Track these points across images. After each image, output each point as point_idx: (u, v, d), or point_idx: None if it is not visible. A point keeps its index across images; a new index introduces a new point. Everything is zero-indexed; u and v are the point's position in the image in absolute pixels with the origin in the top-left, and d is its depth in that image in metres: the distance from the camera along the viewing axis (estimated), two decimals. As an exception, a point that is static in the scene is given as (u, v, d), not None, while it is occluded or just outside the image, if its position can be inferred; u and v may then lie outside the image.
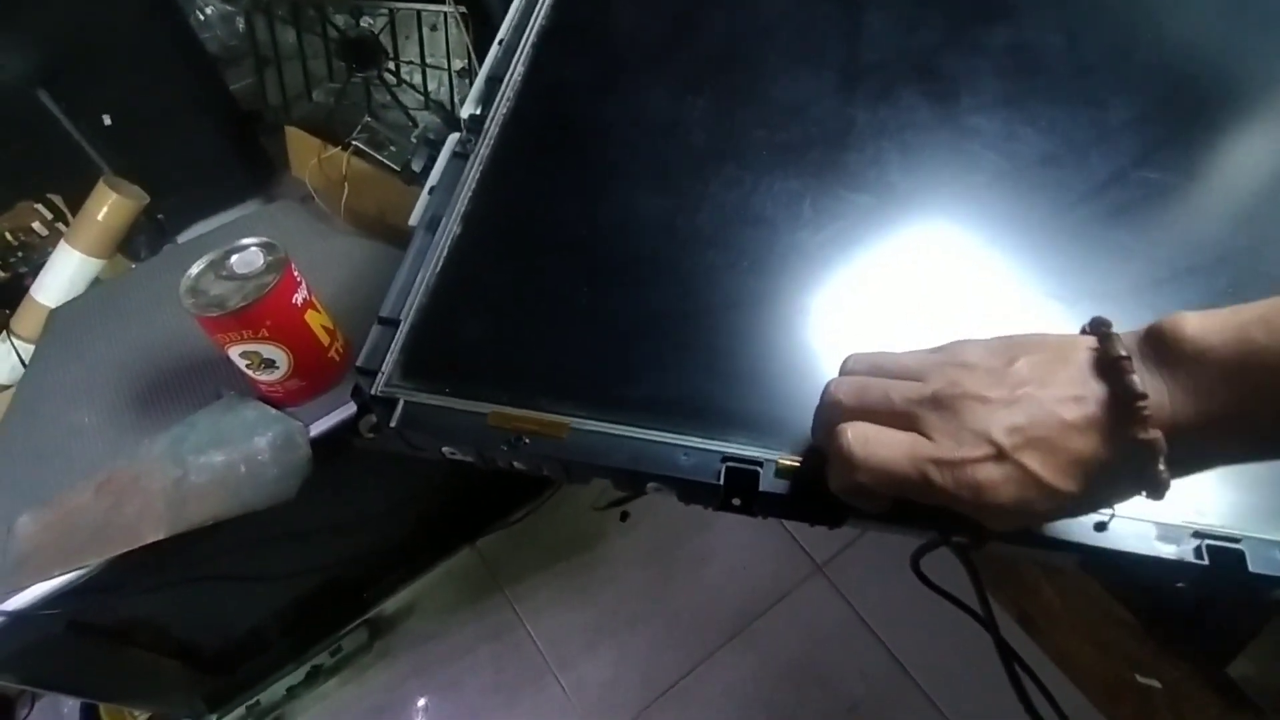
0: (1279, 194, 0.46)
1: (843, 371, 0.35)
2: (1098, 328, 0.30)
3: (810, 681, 1.01)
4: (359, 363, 0.40)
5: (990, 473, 0.29)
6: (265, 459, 0.72)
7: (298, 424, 0.73)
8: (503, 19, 0.56)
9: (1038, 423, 0.29)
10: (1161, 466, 0.28)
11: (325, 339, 0.74)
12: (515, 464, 0.37)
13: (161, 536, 0.67)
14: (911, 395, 0.32)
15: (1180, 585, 0.34)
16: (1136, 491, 0.29)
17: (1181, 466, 0.28)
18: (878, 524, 0.36)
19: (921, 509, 0.34)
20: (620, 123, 0.50)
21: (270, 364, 0.71)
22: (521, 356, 0.40)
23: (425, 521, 1.05)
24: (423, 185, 1.11)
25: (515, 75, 0.51)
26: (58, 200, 1.20)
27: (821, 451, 0.34)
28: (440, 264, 0.43)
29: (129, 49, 1.26)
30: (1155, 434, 0.28)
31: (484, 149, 0.48)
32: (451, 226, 0.44)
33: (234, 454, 0.71)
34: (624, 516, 1.14)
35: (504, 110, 0.50)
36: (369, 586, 1.07)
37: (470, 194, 0.46)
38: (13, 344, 1.08)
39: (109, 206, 1.09)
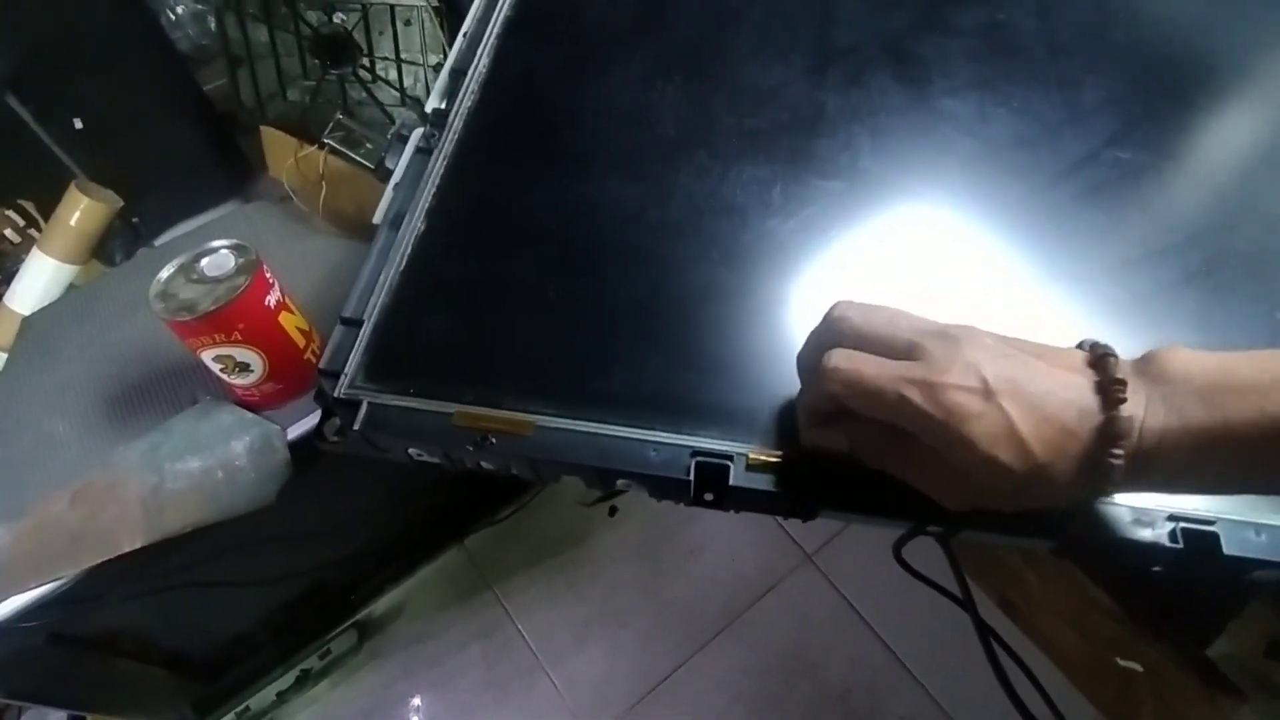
0: (1252, 172, 0.45)
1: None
2: (1092, 343, 0.32)
3: (802, 670, 1.01)
4: (321, 365, 0.39)
5: (970, 403, 0.29)
6: (243, 464, 0.71)
7: (275, 427, 0.72)
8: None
9: (1030, 381, 0.30)
10: (1119, 452, 0.28)
11: (301, 341, 0.73)
12: (482, 464, 0.37)
13: (139, 545, 0.66)
14: (921, 327, 0.32)
15: (1157, 569, 0.34)
16: (1093, 482, 0.29)
17: (1142, 470, 0.29)
18: (853, 515, 0.35)
19: (896, 494, 0.34)
20: (588, 112, 0.49)
21: (245, 367, 0.70)
22: (487, 354, 0.39)
23: (412, 521, 1.05)
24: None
25: (480, 67, 0.51)
26: (29, 206, 1.18)
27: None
28: (404, 262, 0.42)
29: (99, 50, 1.24)
30: (1126, 415, 0.28)
31: (448, 143, 0.47)
32: (416, 223, 0.43)
33: (211, 460, 0.71)
34: (612, 511, 1.14)
35: (469, 103, 0.49)
36: (356, 588, 1.06)
37: (435, 189, 0.45)
38: (-13, 353, 1.07)
39: (81, 211, 1.07)
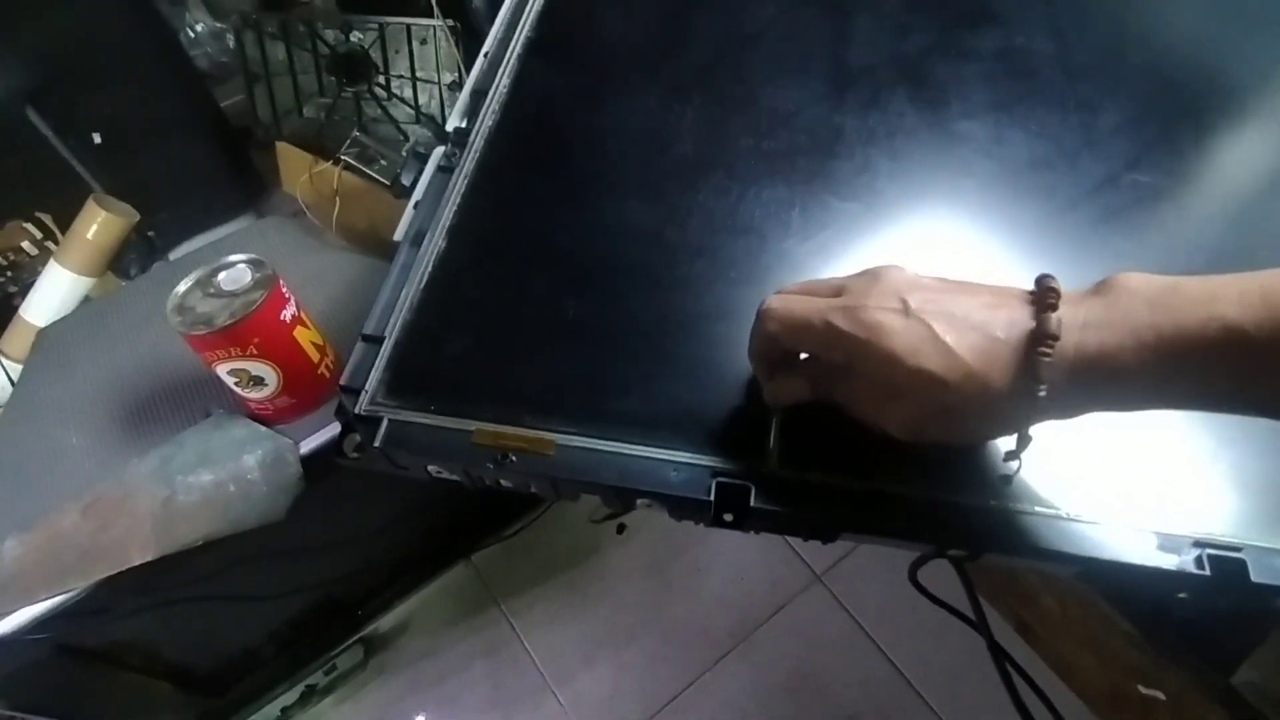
0: (1270, 195, 0.45)
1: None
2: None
3: (810, 692, 1.00)
4: (342, 381, 0.39)
5: (891, 319, 0.30)
6: (255, 478, 0.71)
7: (288, 442, 0.72)
8: (485, 29, 0.56)
9: (953, 301, 0.31)
10: (1048, 350, 0.28)
11: (315, 355, 0.73)
12: (502, 482, 0.37)
13: (149, 558, 0.66)
14: (844, 276, 0.34)
15: (1182, 595, 0.33)
16: (1026, 389, 0.29)
17: (1076, 386, 0.28)
18: (873, 538, 0.35)
19: (916, 517, 0.34)
20: (607, 133, 0.49)
21: (259, 381, 0.70)
22: (508, 372, 0.39)
23: (419, 537, 1.04)
24: (402, 195, 1.11)
25: (501, 88, 0.51)
26: (47, 219, 1.19)
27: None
28: (425, 279, 0.42)
29: (118, 66, 1.25)
30: (1053, 319, 0.28)
31: (469, 162, 0.47)
32: (437, 241, 0.44)
33: (223, 473, 0.71)
34: (620, 529, 1.13)
35: (489, 123, 0.49)
36: (363, 603, 1.05)
37: (455, 208, 0.45)
38: (1, 364, 1.07)
39: (98, 224, 1.08)
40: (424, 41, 1.26)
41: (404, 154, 1.17)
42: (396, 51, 1.28)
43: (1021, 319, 0.29)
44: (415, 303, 0.41)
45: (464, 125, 0.50)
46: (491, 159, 0.48)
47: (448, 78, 1.27)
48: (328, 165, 1.27)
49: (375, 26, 1.27)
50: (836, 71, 0.52)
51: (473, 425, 0.37)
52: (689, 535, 1.12)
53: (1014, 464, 0.34)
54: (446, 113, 1.31)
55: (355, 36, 1.29)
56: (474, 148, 0.48)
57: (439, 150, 0.49)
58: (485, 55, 0.54)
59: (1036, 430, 0.31)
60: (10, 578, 0.67)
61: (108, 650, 0.79)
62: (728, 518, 0.36)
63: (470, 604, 1.08)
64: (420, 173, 1.07)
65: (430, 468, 0.37)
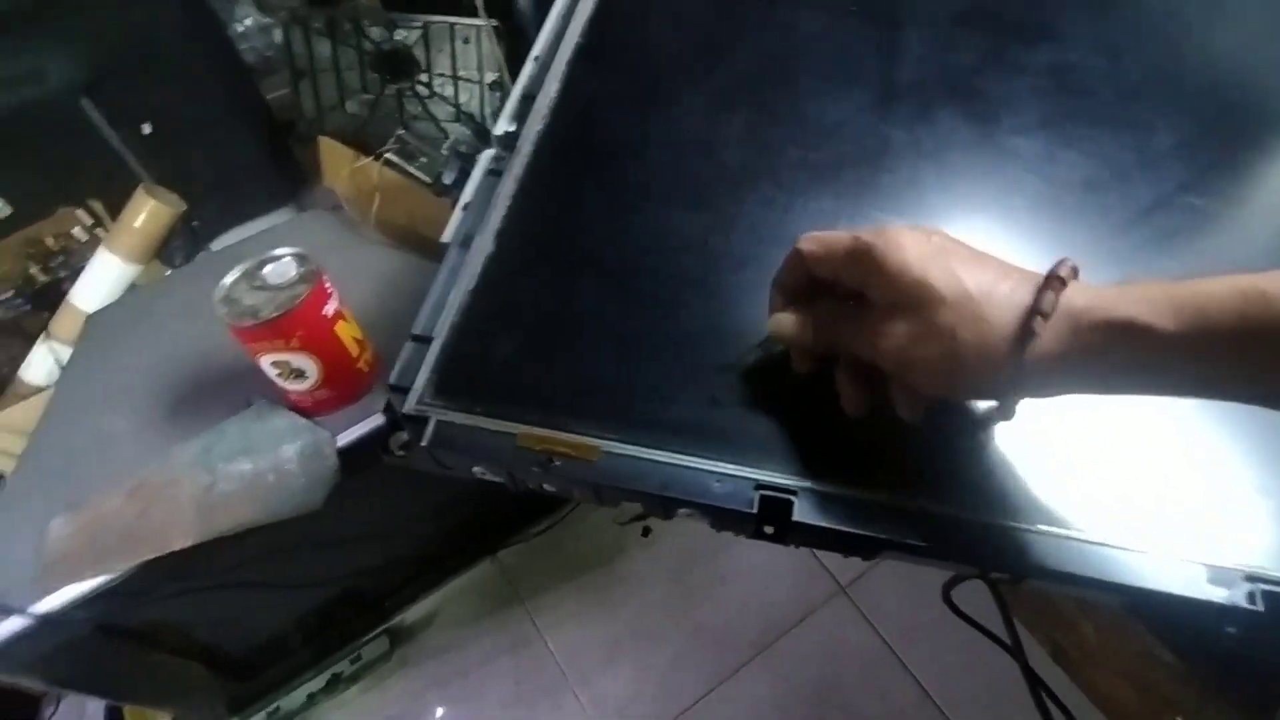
0: (1333, 221, 0.44)
1: None
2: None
3: (831, 704, 0.99)
4: (391, 380, 0.40)
5: (912, 238, 0.33)
6: (293, 468, 0.72)
7: (326, 434, 0.74)
8: (536, 34, 0.56)
9: (970, 253, 0.33)
10: (1047, 306, 0.30)
11: (355, 350, 0.74)
12: (545, 486, 0.37)
13: (189, 544, 0.68)
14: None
15: (1230, 630, 0.33)
16: (1014, 352, 0.30)
17: (1067, 359, 0.30)
18: (914, 557, 0.35)
19: (957, 539, 0.34)
20: (655, 141, 0.49)
21: (300, 374, 0.71)
22: (554, 377, 0.39)
23: (447, 532, 1.05)
24: (453, 197, 1.12)
25: (550, 93, 0.51)
26: (98, 207, 1.22)
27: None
28: (474, 282, 0.43)
29: (169, 59, 1.28)
30: (1050, 296, 0.30)
31: (518, 167, 0.48)
32: (485, 244, 0.44)
33: (262, 463, 0.72)
34: (646, 531, 1.13)
35: (538, 128, 0.50)
36: (390, 595, 1.07)
37: (504, 212, 0.45)
38: (51, 347, 1.10)
39: (147, 213, 1.11)
40: (467, 41, 1.28)
41: (444, 152, 1.19)
42: (439, 50, 1.30)
43: (1031, 281, 0.31)
44: (463, 305, 0.42)
45: (513, 129, 0.50)
46: (540, 164, 0.48)
47: (489, 77, 1.28)
48: (369, 161, 1.29)
49: (420, 25, 1.28)
50: (885, 83, 0.52)
51: (518, 429, 0.37)
52: (714, 541, 1.11)
53: (988, 429, 0.36)
54: (486, 112, 1.33)
55: (399, 34, 1.30)
56: (523, 152, 0.48)
57: (488, 153, 0.49)
58: (535, 59, 0.54)
59: (1083, 454, 0.31)
60: (56, 558, 0.69)
61: (144, 631, 0.81)
62: (769, 530, 0.36)
63: (494, 601, 1.09)
64: (462, 171, 1.09)
65: (475, 469, 0.38)
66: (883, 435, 0.36)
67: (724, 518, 0.36)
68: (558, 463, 0.36)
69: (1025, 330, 0.30)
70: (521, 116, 0.51)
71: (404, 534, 0.99)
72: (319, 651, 1.03)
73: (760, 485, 0.35)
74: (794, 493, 0.35)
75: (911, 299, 0.32)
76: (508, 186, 0.47)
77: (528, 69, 0.54)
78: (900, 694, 0.99)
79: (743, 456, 0.36)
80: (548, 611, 1.07)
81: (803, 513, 0.35)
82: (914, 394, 0.35)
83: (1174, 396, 0.30)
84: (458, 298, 0.42)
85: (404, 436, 0.39)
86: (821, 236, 0.36)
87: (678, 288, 0.42)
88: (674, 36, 0.56)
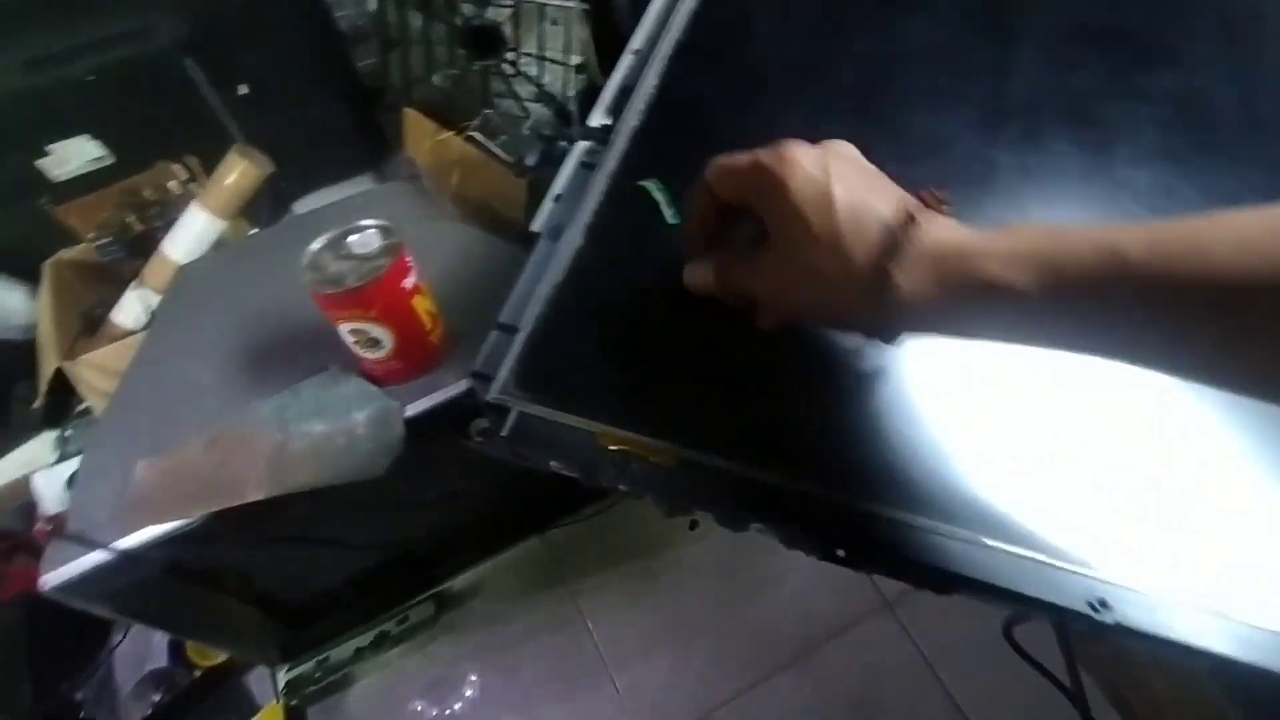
0: None
1: None
2: None
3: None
4: (475, 367, 0.40)
5: (803, 159, 0.34)
6: (362, 434, 0.74)
7: (394, 403, 0.76)
8: (628, 22, 0.56)
9: (859, 177, 0.35)
10: (917, 232, 0.31)
11: (428, 324, 0.76)
12: (620, 487, 0.37)
13: (262, 496, 0.71)
14: None
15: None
16: (886, 272, 0.31)
17: (938, 286, 0.31)
18: (991, 599, 0.34)
19: (1036, 584, 0.33)
20: (752, 145, 0.48)
21: (376, 343, 0.73)
22: (635, 378, 0.39)
23: (498, 507, 1.07)
24: (530, 178, 1.13)
25: (648, 88, 0.51)
26: (193, 162, 1.27)
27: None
28: (562, 275, 0.43)
29: (269, 24, 1.32)
30: (923, 221, 0.32)
31: (612, 161, 0.48)
32: (574, 237, 0.44)
33: (333, 426, 0.74)
34: (693, 525, 1.13)
35: (634, 123, 0.49)
36: (440, 563, 1.09)
37: (596, 206, 0.46)
38: (142, 293, 1.16)
39: (239, 172, 1.15)
40: (555, 22, 1.28)
41: (525, 132, 1.20)
42: (528, 30, 1.30)
43: (906, 206, 0.33)
44: (550, 297, 0.42)
45: (609, 123, 0.50)
46: (634, 159, 0.48)
47: (574, 60, 1.28)
48: (451, 135, 1.31)
49: (511, 3, 1.29)
50: (995, 101, 0.50)
51: (598, 427, 0.37)
52: (760, 543, 1.10)
53: (864, 363, 0.38)
54: (569, 94, 1.33)
55: (490, 11, 1.31)
56: (617, 147, 0.48)
57: (581, 145, 0.49)
58: (635, 53, 0.54)
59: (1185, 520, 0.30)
60: (140, 498, 0.72)
61: (210, 574, 0.85)
62: (840, 554, 0.36)
63: (540, 579, 1.10)
64: (544, 155, 1.09)
65: (552, 463, 0.38)
66: (970, 470, 0.35)
67: (796, 537, 0.36)
68: (634, 465, 0.36)
69: (881, 274, 0.31)
70: (617, 110, 0.51)
71: (457, 505, 1.01)
72: (369, 609, 1.06)
73: (839, 509, 0.35)
74: (873, 520, 0.35)
75: (788, 233, 0.34)
76: (601, 181, 0.47)
77: (625, 61, 0.54)
78: (939, 717, 0.97)
79: (820, 480, 0.36)
80: (591, 595, 1.09)
81: (881, 542, 0.34)
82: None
83: (1046, 348, 0.30)
84: (545, 290, 0.42)
85: (484, 423, 0.39)
86: (725, 160, 0.37)
87: (765, 298, 0.42)
88: (777, 38, 0.55)
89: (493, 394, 0.39)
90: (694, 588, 1.08)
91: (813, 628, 1.05)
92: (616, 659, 1.03)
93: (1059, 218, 0.45)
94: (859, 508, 0.35)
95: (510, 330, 0.41)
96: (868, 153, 0.48)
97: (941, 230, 0.32)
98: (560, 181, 0.48)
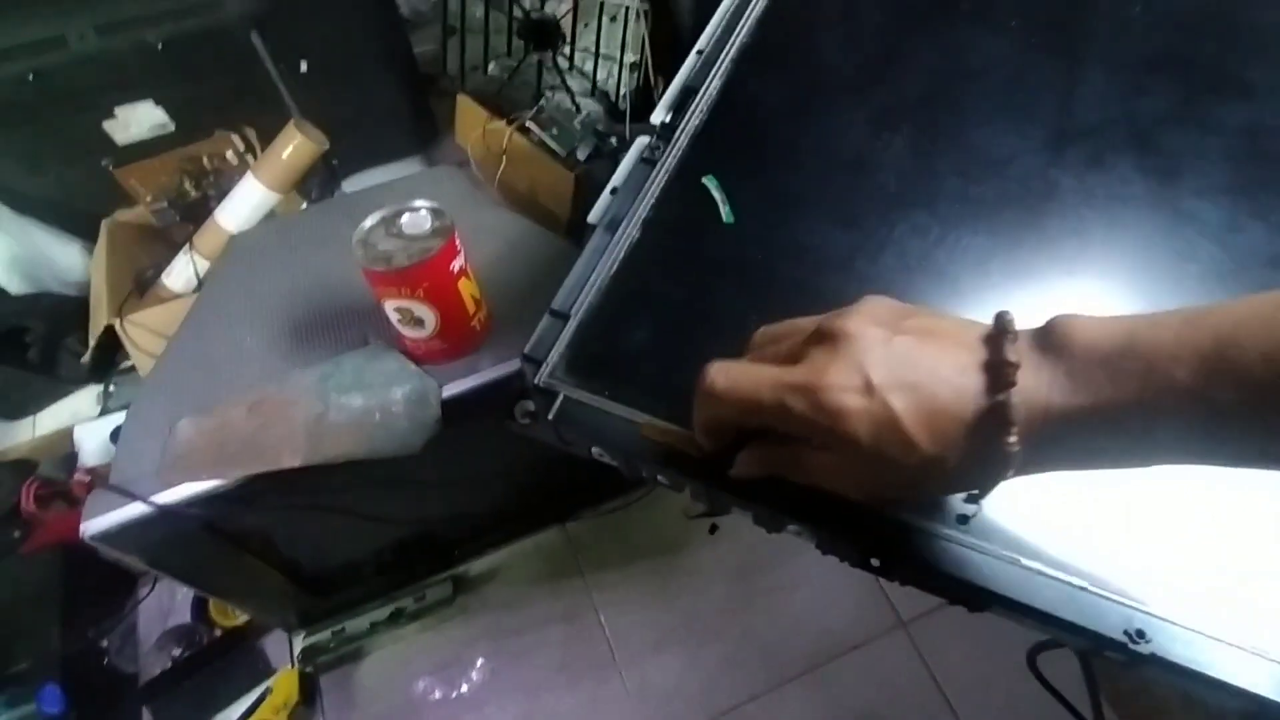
0: None
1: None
2: (1000, 314, 0.30)
3: (873, 739, 0.98)
4: (525, 350, 0.41)
5: (853, 401, 0.29)
6: (399, 410, 0.76)
7: (432, 383, 0.77)
8: (688, 20, 0.56)
9: (911, 365, 0.29)
10: (1013, 438, 0.27)
11: (471, 307, 0.77)
12: (660, 478, 0.38)
13: (298, 464, 0.72)
14: (798, 339, 0.32)
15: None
16: (987, 467, 0.29)
17: (1039, 453, 0.28)
18: (1027, 619, 0.34)
19: (1075, 608, 0.32)
20: (811, 152, 0.49)
21: (419, 322, 0.74)
22: (683, 371, 0.40)
23: (522, 494, 1.08)
24: (579, 170, 1.13)
25: (711, 88, 0.52)
26: (251, 134, 1.30)
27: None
28: (615, 266, 0.44)
29: (334, 3, 1.35)
30: (1016, 400, 0.27)
31: (671, 158, 0.48)
32: (631, 230, 0.45)
33: (372, 400, 0.76)
34: (713, 529, 1.13)
35: (696, 122, 0.50)
36: (460, 544, 1.11)
37: (653, 201, 0.46)
38: (193, 258, 1.19)
39: (294, 147, 1.17)
40: (614, 19, 1.29)
41: (577, 125, 1.21)
42: (585, 25, 1.32)
43: (979, 391, 0.28)
44: (603, 287, 0.43)
45: (669, 120, 0.51)
46: (693, 158, 0.48)
47: (630, 57, 1.29)
48: (502, 124, 1.33)
49: (572, -2, 1.31)
50: (1060, 123, 0.49)
51: (642, 417, 0.38)
52: (778, 551, 1.11)
53: (971, 508, 0.34)
54: (622, 91, 1.34)
55: (550, 6, 1.33)
56: (678, 144, 0.49)
57: (642, 140, 0.50)
58: (699, 53, 0.54)
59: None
60: (181, 455, 0.74)
61: (240, 534, 0.87)
62: (875, 562, 0.36)
63: (557, 569, 1.11)
64: (595, 149, 1.10)
65: (594, 449, 0.39)
66: (1011, 488, 0.34)
67: (833, 541, 0.36)
68: (675, 458, 0.37)
69: (994, 462, 0.28)
70: (680, 109, 0.51)
71: (482, 489, 1.03)
72: (388, 584, 1.08)
73: (878, 518, 0.35)
74: (910, 531, 0.35)
75: (871, 464, 0.30)
76: (659, 177, 0.47)
77: (690, 61, 0.54)
78: (947, 742, 0.96)
79: (862, 485, 0.36)
80: (606, 589, 1.09)
81: (916, 553, 0.34)
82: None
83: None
84: (598, 279, 0.43)
85: (530, 406, 0.40)
86: (732, 391, 0.32)
87: (818, 305, 0.42)
88: (843, 46, 0.55)
89: (541, 378, 0.40)
90: (709, 591, 1.08)
91: (825, 641, 1.04)
92: (626, 654, 1.04)
93: (1121, 245, 0.44)
94: (897, 517, 0.35)
95: (562, 317, 0.42)
96: (930, 164, 0.48)
97: (1030, 393, 0.28)
98: (619, 175, 0.48)
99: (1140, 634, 0.32)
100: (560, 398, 0.39)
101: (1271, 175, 0.46)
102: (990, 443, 0.28)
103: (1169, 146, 0.48)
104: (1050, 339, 0.29)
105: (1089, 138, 0.49)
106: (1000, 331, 0.29)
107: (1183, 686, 0.34)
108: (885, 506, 0.33)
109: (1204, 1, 0.54)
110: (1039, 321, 0.30)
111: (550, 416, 0.38)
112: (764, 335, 0.35)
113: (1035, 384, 0.28)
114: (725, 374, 0.32)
